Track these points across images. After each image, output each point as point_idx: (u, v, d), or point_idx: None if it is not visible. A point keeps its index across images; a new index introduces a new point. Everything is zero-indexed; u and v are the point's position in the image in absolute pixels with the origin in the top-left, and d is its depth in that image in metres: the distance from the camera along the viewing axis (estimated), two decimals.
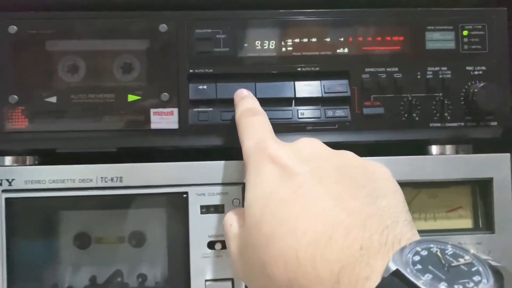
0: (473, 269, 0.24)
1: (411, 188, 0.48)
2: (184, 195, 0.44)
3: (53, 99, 0.45)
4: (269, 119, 0.45)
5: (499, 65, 0.47)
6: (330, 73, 0.47)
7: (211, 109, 0.46)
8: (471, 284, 0.23)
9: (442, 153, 0.50)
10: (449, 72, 0.47)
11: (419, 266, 0.24)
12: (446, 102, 0.47)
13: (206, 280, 0.44)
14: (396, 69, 0.47)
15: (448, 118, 0.47)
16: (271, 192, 0.32)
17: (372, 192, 0.30)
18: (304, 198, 0.30)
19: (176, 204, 0.44)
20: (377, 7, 0.48)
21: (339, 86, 0.47)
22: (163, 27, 0.45)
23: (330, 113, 0.46)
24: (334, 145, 0.36)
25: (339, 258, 0.26)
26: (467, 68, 0.47)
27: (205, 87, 0.46)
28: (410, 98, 0.47)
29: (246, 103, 0.43)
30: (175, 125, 0.45)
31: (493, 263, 0.29)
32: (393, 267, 0.24)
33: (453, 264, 0.24)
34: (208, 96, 0.46)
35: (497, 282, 0.23)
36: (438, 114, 0.47)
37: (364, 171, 0.33)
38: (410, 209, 0.31)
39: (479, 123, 0.47)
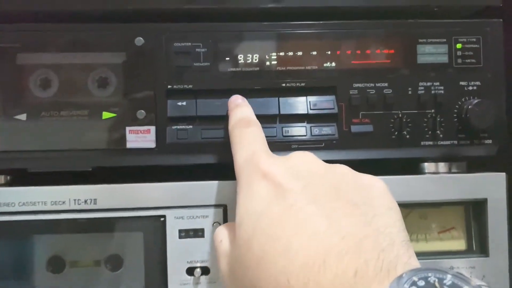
0: None
1: (402, 208, 0.44)
2: (162, 219, 0.42)
3: (23, 117, 0.42)
4: None
5: (494, 80, 0.45)
6: (316, 89, 0.44)
7: (190, 126, 0.43)
8: None
9: (435, 170, 0.47)
10: (442, 87, 0.45)
11: None
12: (438, 119, 0.45)
13: None
14: (386, 84, 0.44)
15: (441, 136, 0.45)
16: (262, 210, 0.31)
17: (368, 210, 0.29)
18: (297, 218, 0.29)
19: (153, 228, 0.42)
20: (366, 19, 0.45)
21: (326, 103, 0.44)
22: (139, 41, 0.43)
23: (316, 130, 0.44)
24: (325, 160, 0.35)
25: (333, 285, 0.25)
26: (461, 83, 0.45)
27: (184, 103, 0.43)
28: (400, 115, 0.44)
29: (240, 112, 0.41)
30: (152, 144, 0.43)
31: None
32: None
33: None
34: (188, 113, 0.43)
35: None
36: (430, 132, 0.45)
37: (359, 187, 0.32)
38: None
39: (473, 141, 0.45)
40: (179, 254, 0.42)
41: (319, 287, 0.25)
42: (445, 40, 0.45)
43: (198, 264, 0.42)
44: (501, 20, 0.45)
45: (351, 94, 0.44)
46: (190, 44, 0.43)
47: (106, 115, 0.43)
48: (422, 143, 0.45)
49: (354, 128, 0.44)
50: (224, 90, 0.44)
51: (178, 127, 0.43)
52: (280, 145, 0.43)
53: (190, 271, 0.42)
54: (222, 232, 0.36)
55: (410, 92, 0.45)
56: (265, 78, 0.44)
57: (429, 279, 0.24)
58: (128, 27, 0.43)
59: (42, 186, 0.42)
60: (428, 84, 0.45)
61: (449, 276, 0.24)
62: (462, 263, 0.45)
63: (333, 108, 0.44)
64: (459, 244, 0.47)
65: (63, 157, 0.43)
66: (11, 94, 0.43)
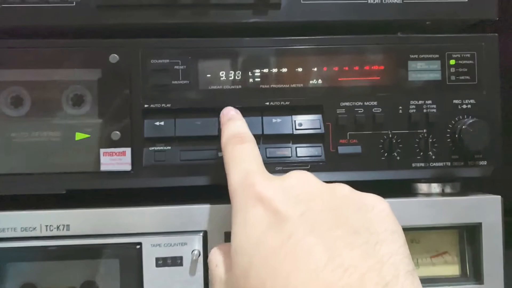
0: None
1: None
2: (137, 246, 0.40)
3: None
4: None
5: (489, 98, 0.43)
6: (302, 108, 0.42)
7: (169, 148, 0.41)
8: None
9: (428, 191, 0.46)
10: (434, 106, 0.43)
11: None
12: (430, 139, 0.42)
13: None
14: (375, 103, 0.42)
15: (433, 157, 0.42)
16: (260, 240, 0.29)
17: (370, 238, 0.28)
18: (296, 251, 0.27)
19: (128, 256, 0.40)
20: (355, 34, 0.43)
21: (312, 122, 0.42)
22: (113, 58, 0.41)
23: (302, 151, 0.42)
24: None
25: None
26: (454, 101, 0.43)
27: (162, 123, 0.41)
28: (390, 136, 0.42)
29: (233, 126, 0.39)
30: (127, 167, 0.41)
31: None
32: None
33: None
34: (166, 134, 0.41)
35: None
36: (421, 153, 0.42)
37: (361, 210, 0.30)
38: None
39: (467, 163, 0.43)
40: (157, 283, 0.39)
41: None
42: (437, 55, 0.43)
43: None
44: (496, 34, 0.43)
45: (338, 113, 0.42)
46: (168, 61, 0.41)
47: (79, 136, 0.41)
48: (414, 164, 0.42)
49: (342, 149, 0.42)
50: (204, 109, 0.41)
51: (155, 148, 0.41)
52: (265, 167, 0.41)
53: None
54: (218, 257, 0.34)
55: (400, 111, 0.42)
56: (248, 97, 0.42)
57: None
58: (101, 43, 0.41)
59: (11, 211, 0.40)
60: (420, 102, 0.42)
61: None
62: None
63: (320, 128, 0.42)
64: (453, 270, 0.44)
65: (34, 181, 0.41)
66: None
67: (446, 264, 0.45)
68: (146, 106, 0.41)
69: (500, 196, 0.42)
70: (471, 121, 0.41)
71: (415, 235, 0.44)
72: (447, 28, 0.44)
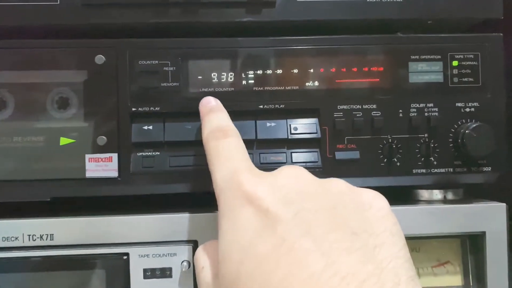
0: None
1: None
2: (125, 257, 0.38)
3: None
4: None
5: (493, 100, 0.41)
6: (297, 111, 0.40)
7: (157, 153, 0.39)
8: None
9: (429, 197, 0.44)
10: (436, 109, 0.41)
11: None
12: (432, 144, 0.40)
13: None
14: (374, 106, 0.40)
15: (435, 163, 0.40)
16: (248, 245, 0.27)
17: (369, 240, 0.26)
18: (288, 256, 0.25)
19: (115, 267, 0.38)
20: (353, 33, 0.41)
21: (308, 126, 0.40)
22: (99, 59, 0.39)
23: (297, 157, 0.40)
24: None
25: None
26: (457, 104, 0.41)
27: (150, 127, 0.39)
28: (390, 140, 0.40)
29: (215, 119, 0.36)
30: (114, 173, 0.39)
31: None
32: None
33: None
34: (154, 139, 0.39)
35: None
36: (422, 159, 0.41)
37: (359, 208, 0.28)
38: None
39: (471, 169, 0.41)
40: None
41: None
42: (439, 56, 0.41)
43: None
44: (501, 34, 0.41)
45: (335, 117, 0.40)
46: (156, 62, 0.39)
47: (64, 140, 0.39)
48: (414, 170, 0.41)
49: (339, 155, 0.40)
50: (194, 113, 0.39)
51: (143, 154, 0.39)
52: None
53: None
54: (204, 258, 0.32)
55: (401, 115, 0.41)
56: (240, 99, 0.40)
57: None
58: (86, 43, 0.39)
59: None
60: (421, 105, 0.41)
61: None
62: None
63: (316, 133, 0.40)
64: (455, 280, 0.43)
65: (17, 187, 0.39)
66: None
67: (448, 274, 0.43)
68: (133, 109, 0.39)
69: (505, 204, 0.41)
70: (474, 125, 0.39)
71: (415, 243, 0.43)
72: (450, 27, 0.43)
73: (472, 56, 0.41)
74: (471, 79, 0.41)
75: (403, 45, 0.41)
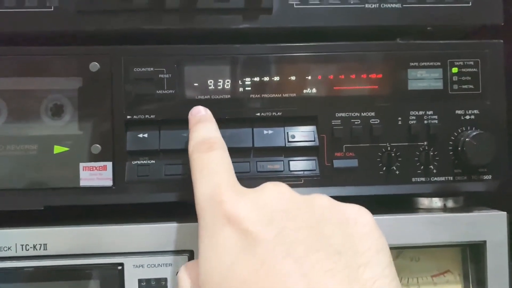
0: None
1: (391, 250, 0.41)
2: (119, 267, 0.37)
3: None
4: None
5: (493, 108, 0.40)
6: (295, 119, 0.40)
7: (153, 162, 0.39)
8: None
9: (429, 205, 0.43)
10: (436, 116, 0.40)
11: None
12: (431, 152, 0.40)
13: None
14: (373, 113, 0.40)
15: (434, 171, 0.40)
16: (228, 267, 0.26)
17: (353, 260, 0.25)
18: (268, 279, 0.24)
19: (109, 277, 0.37)
20: (351, 40, 0.40)
21: (306, 134, 0.40)
22: (94, 66, 0.38)
23: (295, 165, 0.39)
24: None
25: None
26: (457, 112, 0.40)
27: (145, 135, 0.39)
28: (389, 148, 0.40)
29: (201, 130, 0.35)
30: (108, 182, 0.38)
31: None
32: None
33: None
34: (150, 147, 0.39)
35: None
36: (422, 167, 0.40)
37: (342, 225, 0.27)
38: None
39: (471, 177, 0.40)
40: None
41: None
42: (439, 63, 0.40)
43: None
44: (501, 41, 0.41)
45: (333, 125, 0.39)
46: (152, 69, 0.39)
47: (58, 149, 0.38)
48: (414, 179, 0.40)
49: (337, 163, 0.39)
50: None
51: (138, 162, 0.39)
52: (254, 182, 0.38)
53: None
54: (184, 279, 0.31)
55: (400, 123, 0.40)
56: (237, 107, 0.39)
57: None
58: (81, 50, 0.38)
59: None
60: (420, 113, 0.40)
61: None
62: None
63: (314, 141, 0.39)
64: None
65: (10, 196, 0.38)
66: None
67: (448, 284, 0.42)
68: (128, 117, 0.39)
69: (505, 213, 0.40)
70: (475, 133, 0.39)
71: (415, 252, 0.42)
72: (449, 34, 0.42)
73: (472, 63, 0.41)
74: (471, 86, 0.41)
75: (402, 52, 0.40)
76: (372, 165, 0.40)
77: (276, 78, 0.40)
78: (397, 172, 0.40)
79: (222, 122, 0.39)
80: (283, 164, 0.39)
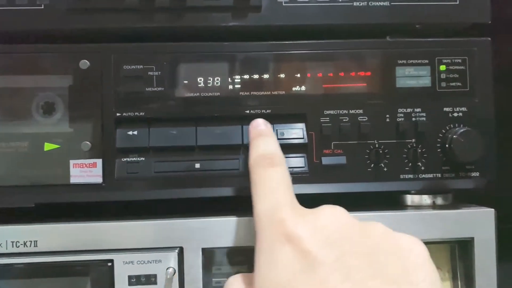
0: None
1: None
2: (109, 264, 0.37)
3: None
4: (211, 170, 0.39)
5: (482, 105, 0.41)
6: (284, 116, 0.40)
7: (142, 159, 0.39)
8: None
9: (418, 202, 0.43)
10: (424, 114, 0.40)
11: None
12: (419, 149, 0.40)
13: None
14: (361, 111, 0.40)
15: (422, 168, 0.40)
16: (285, 284, 0.27)
17: None
18: None
19: (99, 274, 0.38)
20: (340, 38, 0.41)
21: (294, 132, 0.40)
22: (84, 64, 0.38)
23: None
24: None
25: None
26: (445, 109, 0.41)
27: (135, 133, 0.39)
28: (377, 146, 0.40)
29: (263, 144, 0.36)
30: (98, 179, 0.38)
31: None
32: None
33: None
34: (139, 144, 0.39)
35: None
36: (410, 164, 0.40)
37: (398, 255, 0.28)
38: None
39: (459, 174, 0.40)
40: None
41: None
42: (427, 61, 0.41)
43: None
44: (489, 38, 0.41)
45: (322, 122, 0.40)
46: (141, 66, 0.39)
47: (48, 146, 0.39)
48: (402, 176, 0.40)
49: (326, 160, 0.40)
50: (180, 118, 0.39)
51: (128, 159, 0.39)
52: (243, 180, 0.39)
53: None
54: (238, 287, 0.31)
55: (388, 120, 0.40)
56: (227, 105, 0.40)
57: None
58: (70, 48, 0.39)
59: None
60: (408, 110, 0.40)
61: None
62: None
63: (303, 138, 0.40)
64: (444, 286, 0.42)
65: (0, 193, 0.39)
66: None
67: None
68: (118, 114, 0.39)
69: (493, 209, 0.40)
70: (462, 130, 0.39)
71: None
72: (438, 32, 0.42)
73: (460, 60, 0.41)
74: (459, 84, 0.41)
75: (390, 50, 0.41)
76: (361, 162, 0.40)
77: (266, 76, 0.40)
78: (385, 169, 0.40)
79: (212, 120, 0.39)
80: None
